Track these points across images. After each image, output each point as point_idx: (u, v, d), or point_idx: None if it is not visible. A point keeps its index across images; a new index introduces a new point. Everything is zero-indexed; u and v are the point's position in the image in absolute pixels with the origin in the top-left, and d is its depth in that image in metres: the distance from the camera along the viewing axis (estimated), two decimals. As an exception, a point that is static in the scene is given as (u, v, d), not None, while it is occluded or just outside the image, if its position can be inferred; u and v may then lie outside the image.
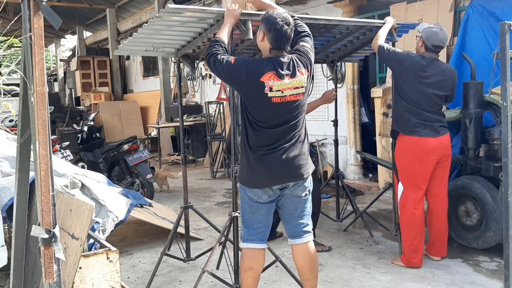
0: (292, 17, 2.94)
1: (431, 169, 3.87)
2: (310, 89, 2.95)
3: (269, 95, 2.74)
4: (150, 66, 14.66)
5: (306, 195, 2.96)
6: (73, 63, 16.42)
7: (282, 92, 2.76)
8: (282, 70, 2.75)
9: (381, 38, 3.99)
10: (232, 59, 2.79)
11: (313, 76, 2.97)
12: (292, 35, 2.84)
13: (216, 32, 3.10)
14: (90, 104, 14.53)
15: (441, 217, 4.02)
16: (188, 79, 11.93)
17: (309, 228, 3.02)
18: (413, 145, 3.86)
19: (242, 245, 3.01)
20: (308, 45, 2.92)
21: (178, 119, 4.04)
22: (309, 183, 2.96)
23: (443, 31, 3.86)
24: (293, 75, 2.77)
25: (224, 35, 2.94)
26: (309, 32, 3.00)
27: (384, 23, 4.09)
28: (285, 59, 2.79)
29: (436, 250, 4.07)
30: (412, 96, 3.84)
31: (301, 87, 2.81)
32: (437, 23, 3.97)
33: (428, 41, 3.83)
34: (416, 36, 3.98)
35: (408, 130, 3.87)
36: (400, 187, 3.99)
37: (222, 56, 2.81)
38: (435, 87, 3.82)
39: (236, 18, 3.02)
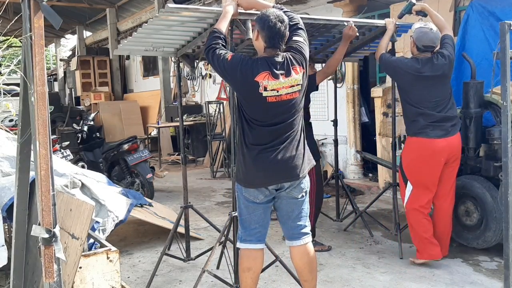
0: (281, 9, 2.92)
1: (439, 170, 3.85)
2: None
3: (264, 94, 2.74)
4: (150, 66, 14.67)
5: (302, 196, 2.95)
6: (73, 63, 16.42)
7: (278, 91, 2.75)
8: (277, 70, 2.75)
9: (381, 49, 4.03)
10: (229, 55, 2.79)
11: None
12: (287, 33, 2.83)
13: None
14: (90, 104, 14.52)
15: (446, 217, 4.00)
16: (188, 79, 11.93)
17: (307, 229, 3.01)
18: (421, 147, 3.85)
19: (239, 245, 3.01)
20: (301, 39, 2.90)
21: (178, 118, 4.04)
22: (305, 184, 2.94)
23: (433, 31, 3.86)
24: (287, 74, 2.77)
25: (223, 25, 2.94)
26: (302, 23, 2.97)
27: (384, 24, 4.10)
28: (280, 58, 2.78)
29: None
30: (418, 99, 3.85)
31: (297, 85, 2.81)
32: (427, 22, 3.97)
33: (418, 42, 3.85)
34: (410, 36, 4.00)
35: (416, 132, 3.87)
36: (409, 187, 3.97)
37: (221, 51, 2.81)
38: (437, 84, 3.83)
39: (235, 10, 3.02)
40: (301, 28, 2.95)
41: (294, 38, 2.89)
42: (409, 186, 3.99)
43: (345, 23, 3.86)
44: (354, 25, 3.85)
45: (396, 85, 4.16)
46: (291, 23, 2.92)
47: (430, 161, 3.82)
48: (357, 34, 3.88)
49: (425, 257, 3.94)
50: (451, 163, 3.90)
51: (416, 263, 3.99)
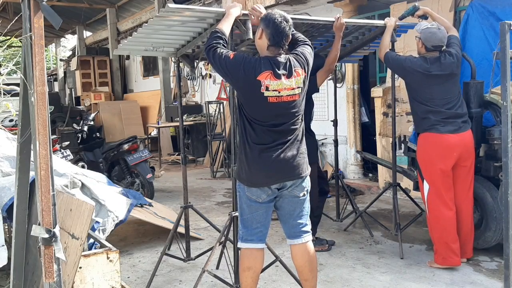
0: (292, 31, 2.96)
1: (450, 165, 3.84)
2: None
3: (265, 94, 2.74)
4: (150, 66, 14.66)
5: (304, 195, 2.96)
6: (73, 63, 16.41)
7: (279, 92, 2.76)
8: (279, 70, 2.75)
9: (385, 47, 4.04)
10: (231, 54, 2.79)
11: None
12: (290, 34, 2.85)
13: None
14: (90, 104, 14.53)
15: (467, 219, 3.96)
16: (188, 79, 11.93)
17: (308, 228, 3.02)
18: (432, 142, 3.85)
19: (240, 245, 3.01)
20: (307, 50, 2.94)
21: (178, 118, 4.04)
22: (307, 183, 2.96)
23: (441, 30, 3.88)
24: (289, 75, 2.77)
25: (225, 26, 2.95)
26: (310, 43, 3.02)
27: (384, 24, 4.10)
28: (282, 59, 2.79)
29: (462, 251, 3.97)
30: (427, 98, 3.86)
31: (298, 87, 2.81)
32: (433, 22, 3.98)
33: (427, 42, 3.86)
34: (416, 37, 4.00)
35: (427, 128, 3.87)
36: (426, 186, 3.96)
37: (222, 50, 2.81)
38: (446, 83, 3.84)
39: (239, 11, 3.04)
40: (309, 45, 2.98)
41: (301, 47, 2.93)
42: (426, 185, 3.96)
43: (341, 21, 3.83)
44: (354, 25, 3.85)
45: (396, 84, 4.16)
46: (299, 40, 2.98)
47: (442, 156, 3.81)
48: (344, 22, 3.78)
49: (443, 263, 3.89)
50: (465, 161, 3.87)
51: (433, 267, 3.94)
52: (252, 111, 2.84)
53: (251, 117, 2.84)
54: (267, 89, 2.74)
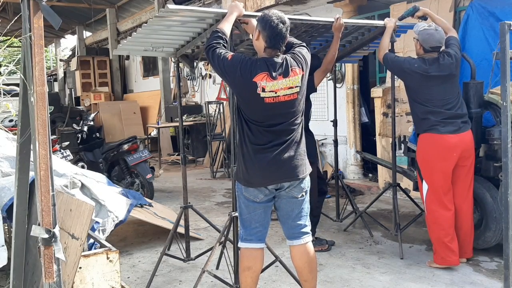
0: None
1: (451, 166, 3.84)
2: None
3: (261, 95, 2.74)
4: (150, 66, 14.67)
5: (302, 196, 2.95)
6: (73, 63, 16.41)
7: (276, 93, 2.76)
8: (275, 71, 2.75)
9: (384, 49, 4.04)
10: (229, 55, 2.80)
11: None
12: (288, 35, 2.85)
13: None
14: (90, 104, 14.53)
15: (467, 218, 3.96)
16: (188, 79, 11.93)
17: (307, 229, 3.02)
18: (432, 142, 3.85)
19: (240, 244, 3.02)
20: (304, 51, 2.93)
21: (178, 119, 4.04)
22: (305, 184, 2.95)
23: (439, 31, 3.88)
24: (286, 75, 2.77)
25: (226, 26, 2.95)
26: (306, 45, 3.02)
27: (383, 25, 4.10)
28: (279, 59, 2.79)
29: (462, 251, 3.98)
30: (426, 98, 3.86)
31: (295, 86, 2.81)
32: (430, 23, 3.98)
33: (425, 44, 3.86)
34: (414, 38, 4.00)
35: (427, 129, 3.87)
36: (425, 186, 3.97)
37: (221, 50, 2.82)
38: (445, 83, 3.84)
39: (240, 11, 3.04)
40: (305, 47, 2.97)
41: (298, 48, 2.92)
42: (425, 185, 3.97)
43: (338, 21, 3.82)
44: (353, 25, 3.84)
45: (396, 84, 4.16)
46: (296, 43, 2.97)
47: (442, 157, 3.81)
48: (343, 23, 3.76)
49: (442, 262, 3.89)
50: (465, 161, 3.87)
51: (432, 267, 3.95)
52: (249, 112, 2.84)
53: (248, 117, 2.85)
54: (263, 90, 2.74)
